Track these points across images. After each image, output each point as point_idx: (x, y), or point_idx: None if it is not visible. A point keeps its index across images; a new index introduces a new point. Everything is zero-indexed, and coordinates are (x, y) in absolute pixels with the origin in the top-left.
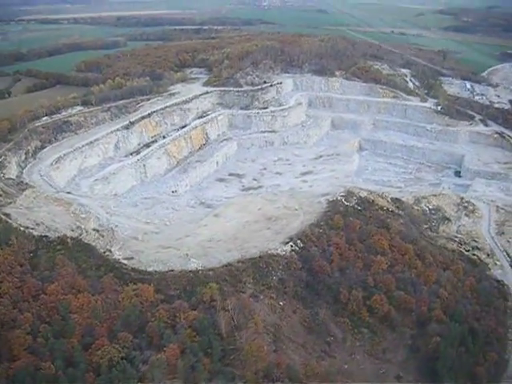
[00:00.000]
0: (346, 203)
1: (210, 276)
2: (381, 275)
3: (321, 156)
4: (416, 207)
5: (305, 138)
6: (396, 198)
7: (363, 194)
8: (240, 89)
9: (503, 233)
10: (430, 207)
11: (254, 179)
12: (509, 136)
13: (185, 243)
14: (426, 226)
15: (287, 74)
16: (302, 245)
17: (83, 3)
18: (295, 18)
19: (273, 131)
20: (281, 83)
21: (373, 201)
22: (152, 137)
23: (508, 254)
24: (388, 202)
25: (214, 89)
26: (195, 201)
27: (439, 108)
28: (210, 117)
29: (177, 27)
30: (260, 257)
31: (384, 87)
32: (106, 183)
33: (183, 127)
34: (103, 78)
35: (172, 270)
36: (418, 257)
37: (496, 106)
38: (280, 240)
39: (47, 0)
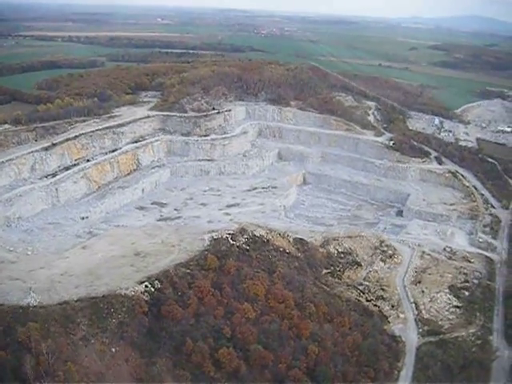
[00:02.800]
0: (231, 242)
1: (39, 314)
2: (242, 325)
3: (255, 188)
4: (322, 249)
5: (243, 168)
6: (300, 239)
7: (260, 233)
8: (183, 114)
9: (420, 282)
10: (340, 250)
11: (176, 209)
12: (462, 176)
13: (35, 276)
14: (326, 271)
15: (241, 102)
16: (159, 286)
17: (86, 23)
18: (286, 47)
19: (211, 160)
20: (229, 111)
21: (267, 240)
22: (76, 160)
23: (417, 306)
24: (289, 242)
25: (157, 113)
26: (85, 230)
27: (391, 143)
28: (144, 142)
29: (165, 50)
30: (103, 296)
31: (339, 119)
32: (8, 205)
33: (113, 151)
34: (56, 96)
35: (1, 305)
36: (297, 306)
37: (462, 143)
38: (137, 279)
39: (54, 17)
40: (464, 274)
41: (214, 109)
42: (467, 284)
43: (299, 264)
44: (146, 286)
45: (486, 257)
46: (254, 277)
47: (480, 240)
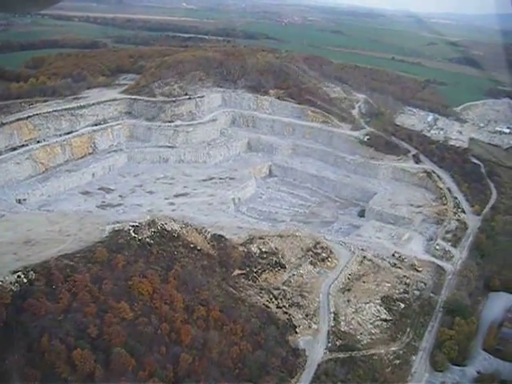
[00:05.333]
0: (133, 235)
1: None
2: (112, 326)
3: (212, 178)
4: (242, 248)
5: (205, 157)
6: (219, 236)
7: (171, 227)
8: (151, 98)
9: (349, 290)
10: (264, 250)
11: (120, 196)
12: (438, 177)
13: None
14: (240, 272)
15: (219, 89)
16: (33, 277)
17: (110, 4)
18: (302, 36)
19: (172, 147)
20: (202, 97)
21: (178, 236)
22: (26, 140)
23: (337, 317)
24: (205, 238)
25: (124, 96)
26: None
27: (366, 138)
28: (104, 125)
29: (176, 34)
30: None
31: (317, 111)
32: None
33: (68, 133)
34: (35, 75)
35: None
36: (185, 309)
37: (452, 142)
38: (13, 268)
39: None
40: (405, 283)
41: (186, 94)
42: (406, 295)
43: (208, 263)
44: (19, 277)
45: (438, 266)
46: (144, 274)
47: (437, 247)
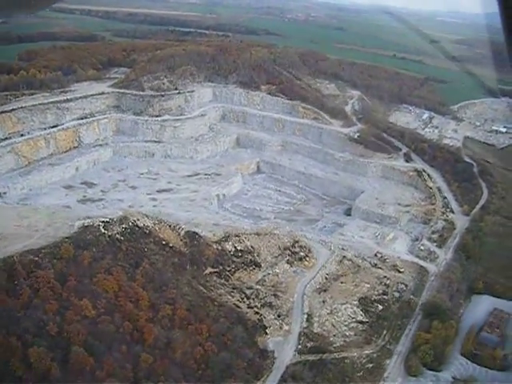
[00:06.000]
0: (103, 231)
1: None
2: (73, 324)
3: (197, 174)
4: (217, 246)
5: (192, 152)
6: (193, 233)
7: (143, 223)
8: (139, 93)
9: (326, 290)
10: (239, 248)
11: (102, 191)
12: (428, 175)
13: None
14: (212, 270)
15: (210, 84)
16: None
17: None
18: (304, 32)
19: (159, 141)
20: (192, 92)
21: (149, 232)
22: (9, 133)
23: (310, 318)
24: (178, 235)
25: (112, 90)
26: None
27: (356, 136)
28: (90, 119)
29: (176, 28)
30: None
31: (308, 107)
32: None
33: (54, 127)
34: (26, 68)
35: None
36: (151, 308)
37: (446, 141)
38: None
39: None
40: (385, 285)
41: (176, 89)
42: (385, 297)
43: (180, 260)
44: None
45: (421, 267)
46: (110, 271)
47: (421, 248)
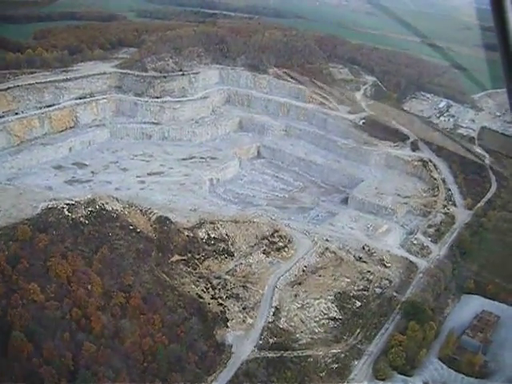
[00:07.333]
0: (67, 213)
1: None
2: (17, 308)
3: (192, 157)
4: (188, 233)
5: (190, 135)
6: (165, 218)
7: (112, 207)
8: (141, 73)
9: (300, 283)
10: (213, 235)
11: (92, 172)
12: (434, 166)
13: None
14: (180, 258)
15: (218, 66)
16: None
17: None
18: (332, 16)
19: (157, 123)
20: (197, 73)
21: (118, 216)
22: (4, 112)
23: (277, 312)
24: (148, 220)
25: (114, 70)
26: None
27: (361, 122)
28: (88, 99)
29: (201, 10)
30: None
31: (316, 91)
32: None
33: (50, 106)
34: (34, 46)
35: None
36: (103, 295)
37: (460, 130)
38: None
39: None
40: (367, 280)
41: (180, 70)
42: (365, 293)
43: (145, 246)
44: None
45: (411, 263)
46: (65, 255)
47: (414, 242)
